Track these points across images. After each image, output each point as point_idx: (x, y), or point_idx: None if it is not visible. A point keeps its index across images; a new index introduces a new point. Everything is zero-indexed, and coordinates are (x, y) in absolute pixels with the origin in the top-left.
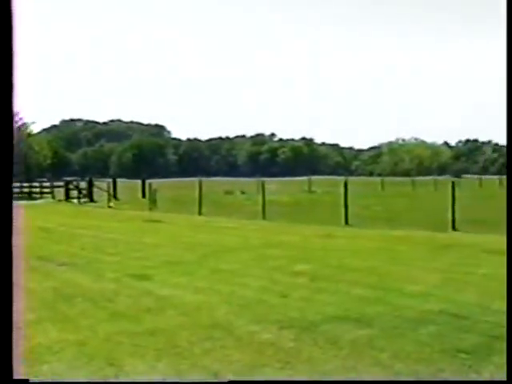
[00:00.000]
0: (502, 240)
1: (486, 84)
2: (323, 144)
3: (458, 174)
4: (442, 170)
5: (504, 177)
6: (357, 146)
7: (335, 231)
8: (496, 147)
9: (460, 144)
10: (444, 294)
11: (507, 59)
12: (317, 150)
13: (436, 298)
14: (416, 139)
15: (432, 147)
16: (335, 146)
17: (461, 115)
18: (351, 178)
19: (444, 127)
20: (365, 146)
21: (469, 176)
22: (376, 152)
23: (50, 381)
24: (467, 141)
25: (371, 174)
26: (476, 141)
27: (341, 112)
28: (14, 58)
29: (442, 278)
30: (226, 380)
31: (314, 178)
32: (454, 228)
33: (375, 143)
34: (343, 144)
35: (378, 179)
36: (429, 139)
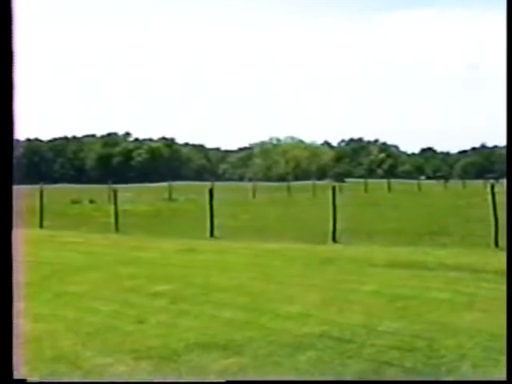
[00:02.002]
0: (390, 251)
1: (371, 77)
2: (186, 144)
3: (340, 178)
4: (322, 174)
5: (395, 180)
6: (224, 147)
7: (199, 245)
8: (383, 147)
9: (343, 143)
10: (325, 315)
11: (507, 59)
12: (179, 151)
13: (316, 320)
14: (293, 138)
15: (311, 147)
16: (200, 147)
17: (343, 111)
18: (218, 184)
19: (324, 125)
20: (233, 147)
21: (353, 180)
22: (246, 153)
23: (49, 381)
24: (351, 140)
25: (241, 178)
26: (361, 140)
27: (206, 108)
28: (14, 58)
29: (322, 296)
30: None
31: (176, 183)
32: (334, 240)
33: (245, 143)
34: (209, 145)
35: (249, 184)
36: (307, 138)
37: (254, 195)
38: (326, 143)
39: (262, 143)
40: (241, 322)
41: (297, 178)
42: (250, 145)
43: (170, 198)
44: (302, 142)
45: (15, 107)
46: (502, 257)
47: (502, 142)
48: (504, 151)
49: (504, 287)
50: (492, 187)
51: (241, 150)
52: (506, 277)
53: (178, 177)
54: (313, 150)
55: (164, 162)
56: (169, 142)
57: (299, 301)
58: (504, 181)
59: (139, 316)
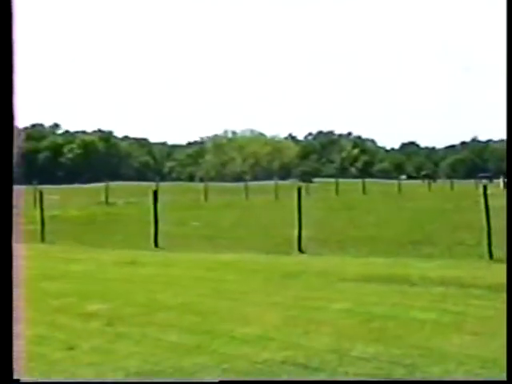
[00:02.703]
0: (365, 263)
1: (343, 62)
2: (126, 138)
3: (307, 178)
4: (286, 172)
5: (371, 180)
6: (171, 141)
7: (142, 256)
8: (358, 141)
9: (310, 137)
10: (288, 338)
11: (507, 57)
12: (117, 146)
13: (277, 344)
14: (251, 131)
15: (272, 142)
16: (142, 141)
17: (311, 100)
18: (164, 184)
19: (289, 115)
20: (182, 141)
21: (322, 180)
22: (197, 149)
23: (43, 380)
24: (319, 133)
25: (191, 178)
26: (331, 133)
27: (149, 96)
28: (14, 58)
29: (285, 316)
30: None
31: (114, 184)
32: (300, 249)
33: (196, 137)
34: (153, 138)
35: (200, 185)
36: (268, 131)
37: (205, 198)
38: (291, 137)
39: (216, 137)
40: (190, 346)
41: (256, 178)
42: (201, 139)
43: (107, 202)
44: (262, 135)
45: (15, 107)
46: (497, 270)
47: (496, 135)
48: (499, 146)
49: (499, 305)
50: (485, 188)
51: (190, 144)
52: (506, 275)
53: (116, 176)
54: (275, 145)
55: (100, 159)
56: (105, 135)
57: (258, 321)
58: (499, 181)
59: (69, 341)
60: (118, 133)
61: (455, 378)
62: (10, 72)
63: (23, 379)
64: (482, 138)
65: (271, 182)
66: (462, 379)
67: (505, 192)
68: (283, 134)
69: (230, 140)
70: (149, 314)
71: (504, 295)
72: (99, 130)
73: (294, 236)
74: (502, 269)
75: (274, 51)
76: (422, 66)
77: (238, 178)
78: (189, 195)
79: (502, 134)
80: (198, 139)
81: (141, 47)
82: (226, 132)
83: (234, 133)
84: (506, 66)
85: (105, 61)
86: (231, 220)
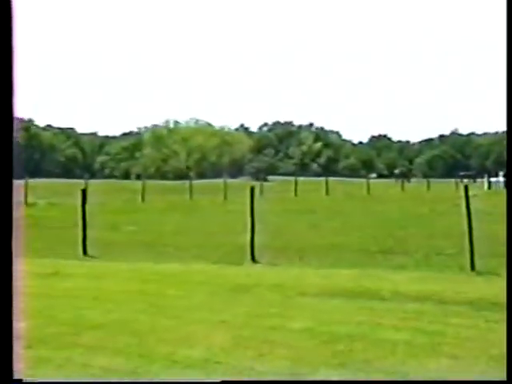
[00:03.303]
0: (329, 275)
1: (303, 45)
2: (49, 127)
3: (261, 175)
4: (237, 169)
5: (336, 179)
6: (102, 132)
7: (68, 266)
8: (321, 133)
9: (265, 128)
10: (238, 362)
11: (507, 59)
12: (38, 136)
13: (226, 368)
14: (197, 121)
15: (221, 133)
16: (68, 131)
17: (266, 86)
18: (94, 182)
19: (240, 103)
20: (115, 132)
21: (278, 178)
22: (133, 141)
23: (44, 380)
24: (276, 124)
25: (127, 175)
26: (290, 124)
27: (76, 79)
28: (14, 57)
29: (235, 336)
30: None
31: (34, 181)
32: (253, 259)
33: (132, 127)
34: (81, 128)
35: (137, 183)
36: (217, 121)
37: (143, 198)
38: (243, 128)
39: (155, 127)
40: (123, 371)
41: (202, 175)
42: (139, 129)
43: (26, 202)
44: (209, 125)
45: (15, 106)
46: (480, 283)
47: (480, 127)
48: (483, 140)
49: (482, 323)
50: (466, 189)
51: (126, 135)
52: (506, 274)
53: (37, 172)
54: (224, 137)
55: (17, 152)
56: (24, 124)
57: (203, 342)
58: (483, 180)
59: None
60: (40, 121)
61: (455, 378)
62: (10, 72)
63: (26, 379)
64: (464, 130)
65: (220, 181)
66: (462, 379)
67: (491, 193)
68: (234, 125)
69: (171, 131)
70: (75, 334)
71: (487, 313)
72: (16, 118)
73: (246, 243)
74: (486, 282)
75: (223, 30)
76: (397, 49)
77: (182, 175)
78: (123, 195)
79: (486, 127)
80: (134, 130)
81: (68, 25)
82: (167, 122)
83: (176, 122)
84: (506, 65)
85: (23, 37)
86: (173, 224)
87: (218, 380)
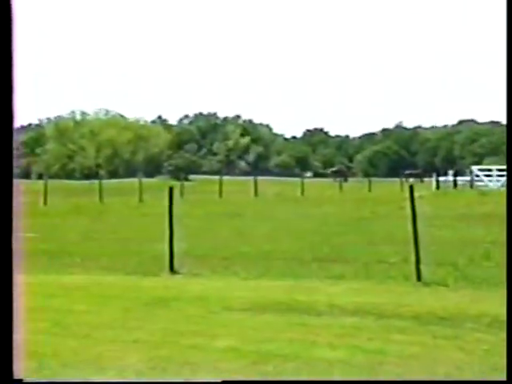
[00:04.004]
0: (257, 287)
1: (225, 25)
2: None
3: (181, 174)
4: (154, 167)
5: (266, 178)
6: None
7: None
8: (249, 126)
9: (186, 121)
10: None
11: (507, 59)
12: None
13: None
14: (107, 112)
15: (136, 127)
16: None
17: (184, 73)
18: None
19: (157, 92)
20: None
21: (201, 177)
22: (34, 134)
23: (45, 380)
24: (198, 116)
25: (26, 174)
26: (214, 116)
27: None
28: (14, 57)
29: (151, 357)
30: None
31: None
32: (172, 269)
33: (33, 119)
34: None
35: (39, 183)
36: (130, 113)
37: (45, 200)
38: (160, 120)
39: (59, 119)
40: None
41: (114, 174)
42: (40, 121)
43: None
44: (122, 117)
45: (15, 105)
46: (426, 295)
47: (427, 121)
48: (430, 135)
49: (428, 340)
50: (411, 189)
51: (24, 128)
52: (506, 273)
53: None
54: (139, 131)
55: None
56: None
57: (115, 365)
58: (432, 180)
59: None
60: None
61: (455, 378)
62: (10, 72)
63: (26, 379)
64: (409, 124)
65: (135, 180)
66: (462, 379)
67: (440, 193)
68: (150, 117)
69: (78, 123)
70: None
71: (434, 327)
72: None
73: (165, 251)
74: (433, 294)
75: (139, 13)
76: (337, 37)
77: (91, 174)
78: (22, 197)
79: (433, 120)
80: (36, 122)
81: None
82: (72, 112)
83: (83, 114)
84: (506, 65)
85: None
86: (80, 230)
87: (218, 380)
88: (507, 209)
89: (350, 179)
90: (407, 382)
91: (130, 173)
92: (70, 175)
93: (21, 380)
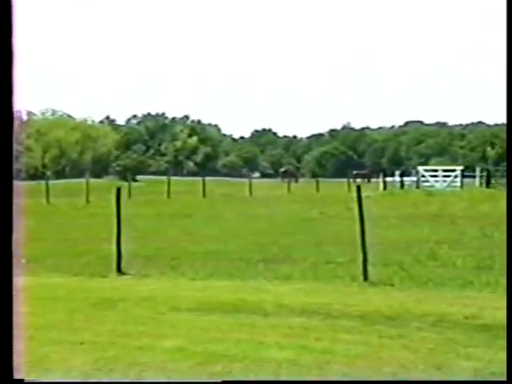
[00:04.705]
0: (204, 287)
1: (170, 24)
2: None
3: (129, 175)
4: (101, 168)
5: (214, 178)
6: None
7: None
8: (197, 127)
9: (134, 121)
10: None
11: (507, 59)
12: None
13: None
14: (54, 112)
15: (83, 127)
16: None
17: (133, 72)
18: None
19: (104, 92)
20: None
21: (149, 177)
22: None
23: (46, 380)
24: (147, 116)
25: None
26: (162, 116)
27: None
28: (14, 57)
29: (97, 359)
30: None
31: None
32: (120, 270)
33: None
34: None
35: None
36: (77, 113)
37: None
38: (108, 120)
39: None
40: None
41: (61, 175)
42: None
43: None
44: (69, 117)
45: (15, 106)
46: (373, 295)
47: (374, 122)
48: (378, 135)
49: (374, 339)
50: (359, 190)
51: None
52: (506, 273)
53: None
54: (86, 131)
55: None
56: None
57: (60, 367)
58: (379, 181)
59: None
60: None
61: (455, 378)
62: (10, 71)
63: (27, 379)
64: (356, 125)
65: (82, 181)
66: (462, 379)
67: (387, 194)
68: (97, 117)
69: (24, 123)
70: None
71: (380, 327)
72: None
73: (112, 252)
74: (380, 293)
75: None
76: (280, 33)
77: (37, 174)
78: None
79: (380, 121)
80: None
81: None
82: (18, 112)
83: (30, 113)
84: (506, 64)
85: None
86: (25, 231)
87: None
88: (507, 209)
89: (299, 180)
90: (407, 382)
91: (78, 173)
92: (15, 176)
93: (21, 380)
